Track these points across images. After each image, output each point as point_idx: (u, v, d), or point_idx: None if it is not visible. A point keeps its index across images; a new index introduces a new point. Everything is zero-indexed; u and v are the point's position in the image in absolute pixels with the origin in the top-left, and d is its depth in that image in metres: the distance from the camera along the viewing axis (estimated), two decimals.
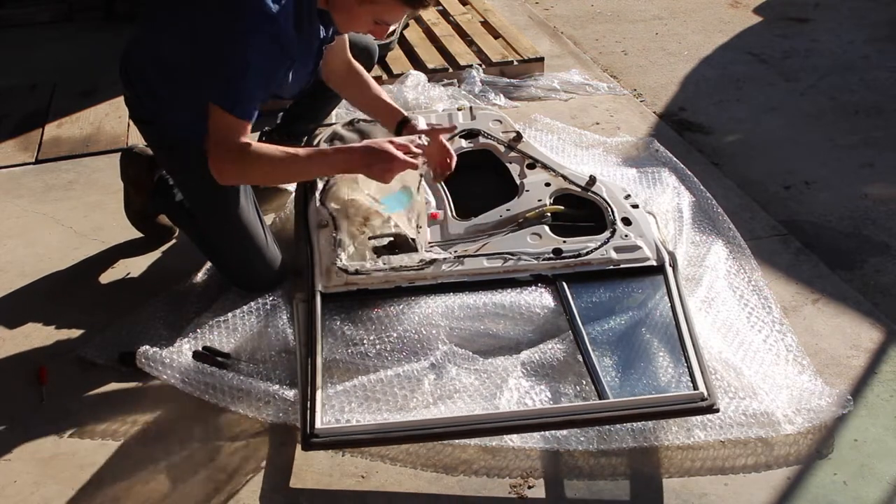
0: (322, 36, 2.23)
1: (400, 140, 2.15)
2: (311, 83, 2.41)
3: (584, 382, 2.02)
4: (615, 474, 1.90)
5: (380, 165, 2.09)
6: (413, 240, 2.25)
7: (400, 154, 2.09)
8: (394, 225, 2.28)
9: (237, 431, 2.01)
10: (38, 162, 3.20)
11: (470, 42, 4.01)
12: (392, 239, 2.25)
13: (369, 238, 2.22)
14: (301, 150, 2.14)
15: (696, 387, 1.91)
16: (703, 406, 1.87)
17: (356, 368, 2.08)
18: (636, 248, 2.25)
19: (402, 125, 2.43)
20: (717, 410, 1.89)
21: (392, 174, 2.11)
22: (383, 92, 2.53)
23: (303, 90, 2.42)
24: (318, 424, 1.81)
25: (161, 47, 2.20)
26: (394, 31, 3.85)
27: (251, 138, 2.08)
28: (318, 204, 2.32)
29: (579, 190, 2.45)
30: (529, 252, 2.25)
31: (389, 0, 2.07)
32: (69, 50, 4.21)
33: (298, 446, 1.92)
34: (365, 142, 2.18)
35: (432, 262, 2.20)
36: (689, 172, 2.91)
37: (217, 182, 2.30)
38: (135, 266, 2.60)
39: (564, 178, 2.48)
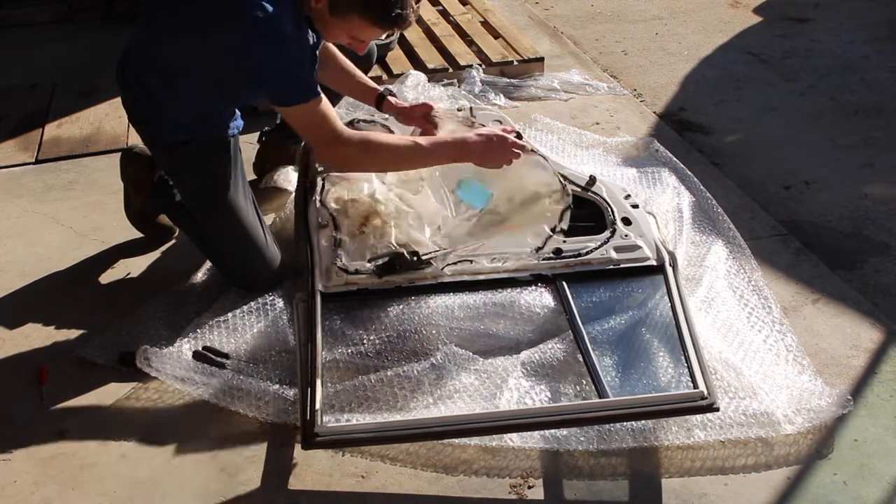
0: (313, 42, 2.23)
1: (508, 128, 2.35)
2: None
3: (584, 382, 2.02)
4: (615, 474, 1.90)
5: (497, 155, 2.23)
6: (415, 254, 2.21)
7: (515, 142, 2.23)
8: (394, 239, 2.25)
9: (237, 431, 2.00)
10: (38, 162, 3.20)
11: (470, 42, 4.00)
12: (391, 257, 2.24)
13: (368, 260, 2.19)
14: (422, 139, 2.25)
15: (696, 386, 1.90)
16: (703, 405, 1.87)
17: (356, 368, 2.08)
18: (636, 247, 2.25)
19: (382, 100, 2.53)
20: (717, 409, 1.89)
21: (506, 162, 2.25)
22: (357, 70, 2.58)
23: None
24: (318, 424, 1.81)
25: (161, 47, 2.20)
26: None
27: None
28: (318, 204, 2.32)
29: (579, 190, 2.45)
30: (529, 252, 2.24)
31: (358, 19, 2.09)
32: (69, 50, 4.21)
33: (298, 446, 1.92)
34: (480, 131, 2.28)
35: (432, 261, 2.20)
36: (689, 172, 2.92)
37: (217, 182, 2.30)
38: (135, 266, 2.60)
39: (564, 178, 2.47)
